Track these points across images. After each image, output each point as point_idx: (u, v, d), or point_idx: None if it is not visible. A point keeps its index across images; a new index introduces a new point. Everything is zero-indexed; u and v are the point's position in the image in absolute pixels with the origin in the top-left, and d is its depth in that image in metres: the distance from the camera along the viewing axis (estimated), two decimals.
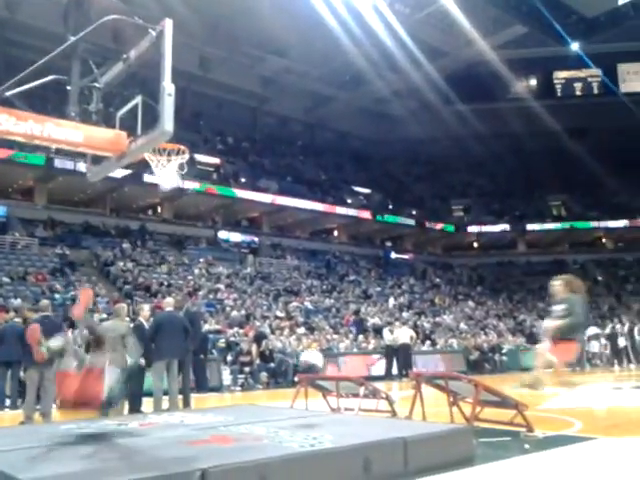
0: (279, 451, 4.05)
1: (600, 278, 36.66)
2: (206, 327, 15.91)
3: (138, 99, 4.84)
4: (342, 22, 28.64)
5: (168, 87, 4.49)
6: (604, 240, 40.09)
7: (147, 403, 9.01)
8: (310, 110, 39.47)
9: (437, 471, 4.49)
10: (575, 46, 33.11)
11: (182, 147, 5.44)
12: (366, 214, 34.65)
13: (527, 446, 5.72)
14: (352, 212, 34.15)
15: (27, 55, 21.90)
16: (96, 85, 4.91)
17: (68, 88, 4.82)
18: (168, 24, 4.56)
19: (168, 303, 9.72)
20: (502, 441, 6.03)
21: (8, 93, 4.68)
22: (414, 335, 18.41)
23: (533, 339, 24.34)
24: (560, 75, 39.75)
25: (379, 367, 17.69)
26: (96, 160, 5.31)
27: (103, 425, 5.44)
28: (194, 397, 10.23)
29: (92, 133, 4.68)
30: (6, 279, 18.57)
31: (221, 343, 16.08)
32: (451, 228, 38.65)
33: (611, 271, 37.02)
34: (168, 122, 4.49)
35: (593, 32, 31.21)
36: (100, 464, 3.90)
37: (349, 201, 35.30)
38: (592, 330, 22.38)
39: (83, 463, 3.89)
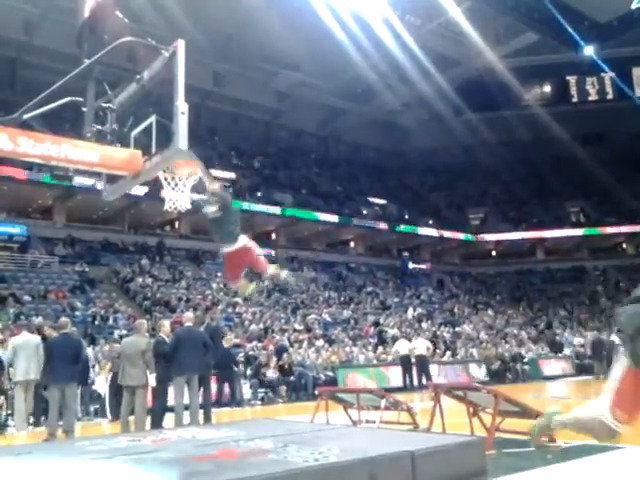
0: (282, 466, 4.02)
1: (622, 284, 36.14)
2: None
3: (152, 118, 4.91)
4: (353, 36, 28.83)
5: (181, 106, 4.55)
6: (624, 245, 39.59)
7: (170, 418, 9.05)
8: (324, 123, 39.67)
9: None
10: (589, 50, 32.86)
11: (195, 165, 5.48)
12: (382, 225, 34.63)
13: (549, 456, 5.65)
14: (368, 223, 34.15)
15: (44, 77, 22.23)
16: (110, 106, 5.00)
17: (84, 109, 4.91)
18: (180, 45, 4.63)
19: (188, 318, 9.77)
20: (523, 452, 5.95)
21: (26, 116, 4.78)
22: (430, 346, 18.32)
23: (555, 347, 24.11)
24: (574, 81, 39.52)
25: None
26: (112, 179, 5.39)
27: (116, 441, 5.47)
28: (215, 412, 10.26)
29: (107, 153, 4.74)
30: (27, 297, 18.80)
31: (240, 357, 16.11)
32: (468, 237, 38.45)
33: (633, 277, 36.44)
34: (182, 140, 4.55)
35: (606, 37, 31.03)
36: None
37: (365, 212, 35.30)
38: (614, 337, 22.12)
39: None
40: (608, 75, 38.48)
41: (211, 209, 5.68)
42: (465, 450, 4.98)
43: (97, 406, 12.20)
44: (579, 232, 38.31)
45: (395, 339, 20.55)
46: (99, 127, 4.89)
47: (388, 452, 4.52)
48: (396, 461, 4.40)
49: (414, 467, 4.38)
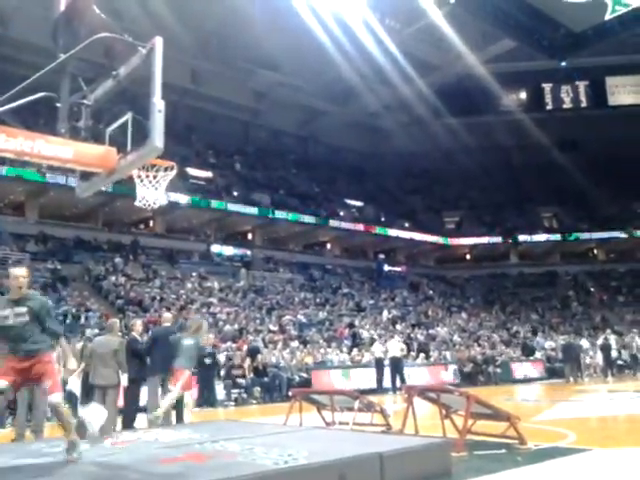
0: (252, 469, 3.99)
1: (592, 289, 36.78)
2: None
3: (128, 115, 4.85)
4: (334, 37, 28.90)
5: (158, 103, 4.51)
6: (596, 251, 40.28)
7: (142, 419, 8.94)
8: (303, 124, 39.63)
9: None
10: (563, 63, 33.53)
11: (171, 163, 5.43)
12: (359, 227, 34.72)
13: (519, 458, 5.71)
14: (345, 225, 34.22)
15: (19, 70, 21.85)
16: (86, 102, 4.92)
17: (58, 105, 4.83)
18: (158, 42, 4.59)
19: (166, 318, 9.69)
20: (494, 454, 6.02)
21: None
22: (404, 348, 18.42)
23: (527, 351, 24.42)
24: (549, 88, 40.13)
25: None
26: (86, 176, 5.31)
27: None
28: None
29: (82, 149, 4.68)
30: None
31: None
32: (444, 240, 38.76)
33: (603, 282, 37.14)
34: (159, 138, 4.50)
35: (581, 46, 31.51)
36: None
37: (342, 214, 35.38)
38: (584, 342, 22.58)
39: None
40: (582, 83, 39.15)
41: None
42: (431, 452, 5.05)
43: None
44: (552, 237, 38.91)
45: (373, 341, 20.62)
46: (74, 123, 4.82)
47: (357, 454, 4.54)
48: (365, 462, 4.43)
49: (382, 468, 4.41)
